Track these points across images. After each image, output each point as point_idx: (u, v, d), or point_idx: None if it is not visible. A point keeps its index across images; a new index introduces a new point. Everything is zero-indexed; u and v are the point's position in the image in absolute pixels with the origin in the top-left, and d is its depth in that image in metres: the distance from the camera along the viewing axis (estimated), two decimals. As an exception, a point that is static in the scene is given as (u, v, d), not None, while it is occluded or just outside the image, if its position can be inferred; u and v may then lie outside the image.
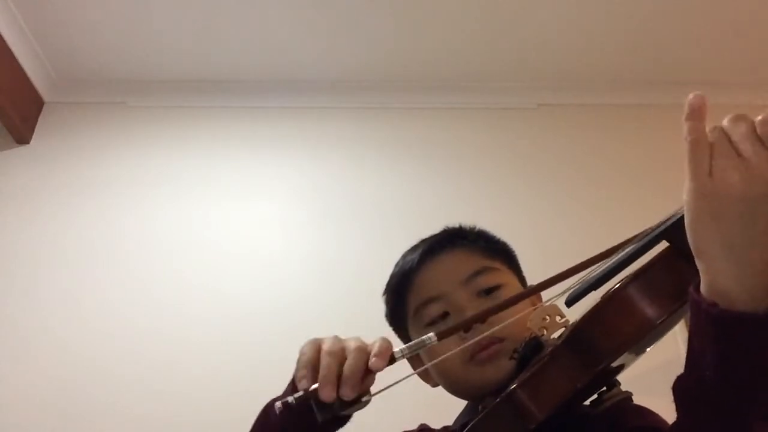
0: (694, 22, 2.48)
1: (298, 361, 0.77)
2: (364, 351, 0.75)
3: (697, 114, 0.62)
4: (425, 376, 1.02)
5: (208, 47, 2.56)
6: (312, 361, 0.75)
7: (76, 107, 2.64)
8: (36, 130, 2.57)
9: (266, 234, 2.37)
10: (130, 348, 2.11)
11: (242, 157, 2.55)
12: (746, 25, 2.50)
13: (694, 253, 0.62)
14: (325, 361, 0.74)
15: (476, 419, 0.77)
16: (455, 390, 0.97)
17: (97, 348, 2.11)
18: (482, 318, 0.83)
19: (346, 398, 0.72)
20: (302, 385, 0.74)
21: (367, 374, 0.74)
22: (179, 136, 2.58)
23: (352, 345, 0.76)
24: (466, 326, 0.85)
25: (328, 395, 0.72)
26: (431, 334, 0.78)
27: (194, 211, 2.41)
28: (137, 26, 2.48)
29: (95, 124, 2.60)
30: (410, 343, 0.78)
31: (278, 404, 0.73)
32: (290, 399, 0.73)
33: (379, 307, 1.10)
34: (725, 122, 0.61)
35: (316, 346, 0.77)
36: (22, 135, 2.51)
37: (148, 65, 2.61)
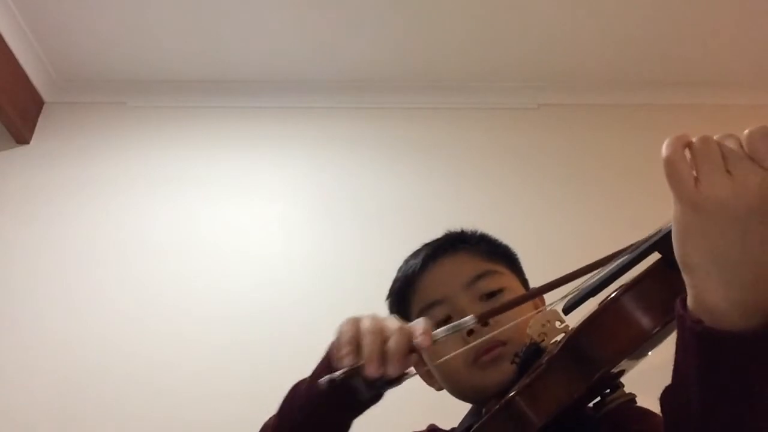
0: (694, 22, 2.48)
1: (338, 339, 0.78)
2: (406, 330, 0.76)
3: (677, 138, 0.60)
4: (429, 379, 1.03)
5: (208, 47, 2.56)
6: (355, 339, 0.76)
7: (76, 107, 2.64)
8: (36, 130, 2.57)
9: (266, 234, 2.37)
10: (129, 347, 2.11)
11: (242, 157, 2.55)
12: (746, 25, 2.50)
13: (681, 268, 0.61)
14: (368, 338, 0.75)
15: (477, 424, 0.77)
16: (459, 393, 0.98)
17: (96, 347, 2.11)
18: (498, 312, 0.85)
19: (390, 376, 0.74)
20: (346, 362, 0.75)
21: (410, 353, 0.75)
22: (179, 136, 2.58)
23: (392, 325, 0.77)
24: (483, 320, 0.85)
25: (374, 372, 0.73)
26: (471, 315, 0.79)
27: (194, 211, 2.41)
28: (137, 26, 2.48)
29: (95, 124, 2.60)
30: (450, 324, 0.79)
31: (323, 381, 0.75)
32: (336, 375, 0.75)
33: (380, 306, 1.10)
34: (715, 137, 0.59)
35: (356, 324, 0.78)
36: (22, 135, 2.52)
37: (148, 65, 2.61)
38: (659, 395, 0.69)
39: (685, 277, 0.61)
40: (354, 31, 2.52)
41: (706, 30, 2.51)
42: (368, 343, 0.75)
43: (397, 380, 0.75)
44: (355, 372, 0.74)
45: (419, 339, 0.75)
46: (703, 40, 2.54)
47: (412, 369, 0.78)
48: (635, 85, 2.67)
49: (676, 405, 0.64)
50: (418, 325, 0.77)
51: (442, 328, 0.78)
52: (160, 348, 2.11)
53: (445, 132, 2.61)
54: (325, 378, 0.75)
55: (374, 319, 0.78)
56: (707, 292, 0.58)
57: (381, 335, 0.75)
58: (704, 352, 0.58)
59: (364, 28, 2.50)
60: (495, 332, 0.84)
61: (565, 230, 2.33)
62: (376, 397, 0.82)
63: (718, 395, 0.59)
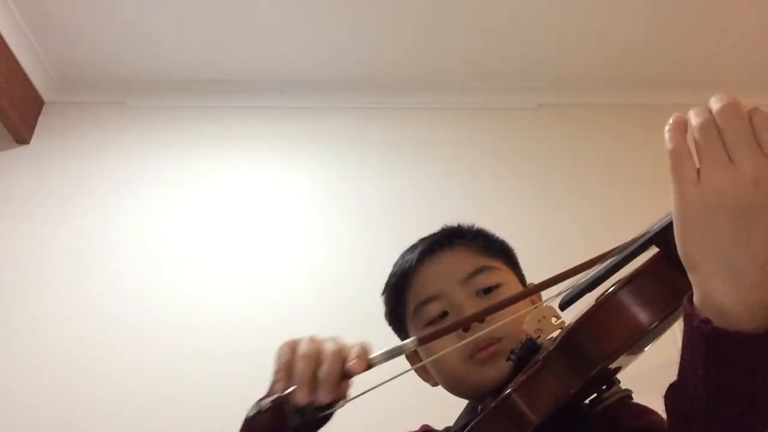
0: (694, 22, 2.48)
1: (275, 364, 0.77)
2: (340, 355, 0.75)
3: (678, 126, 0.58)
4: (425, 375, 1.02)
5: (208, 47, 2.56)
6: (288, 365, 0.75)
7: (76, 107, 2.64)
8: (36, 130, 2.57)
9: (266, 234, 2.37)
10: (129, 351, 2.10)
11: (242, 157, 2.54)
12: (746, 25, 2.50)
13: (685, 267, 0.59)
14: (299, 364, 0.74)
15: (474, 422, 0.76)
16: (455, 389, 0.97)
17: (96, 351, 2.10)
18: (476, 318, 0.83)
19: (320, 402, 0.73)
20: (277, 388, 0.75)
21: (343, 378, 0.74)
22: (179, 136, 2.58)
23: (328, 348, 0.75)
24: (459, 327, 0.83)
25: (301, 399, 0.72)
26: (412, 338, 0.78)
27: (194, 211, 2.41)
28: (137, 26, 2.48)
29: (95, 124, 2.59)
30: (389, 348, 0.77)
31: (251, 409, 0.74)
32: (264, 402, 0.74)
33: (378, 307, 1.10)
34: (718, 113, 0.56)
35: (292, 348, 0.76)
36: (22, 135, 2.51)
37: (148, 65, 2.61)
38: (659, 393, 0.68)
39: (690, 276, 0.59)
40: (354, 31, 2.52)
41: (707, 30, 2.51)
42: (300, 369, 0.74)
43: (329, 406, 0.74)
44: (284, 399, 0.73)
45: (351, 364, 0.74)
46: (703, 40, 2.54)
47: (347, 394, 0.76)
48: (635, 85, 2.67)
49: (680, 404, 0.63)
50: (354, 349, 0.76)
51: (382, 351, 0.76)
52: (159, 352, 2.10)
53: (445, 132, 2.61)
54: (254, 405, 0.74)
55: (312, 341, 0.77)
56: (715, 291, 0.56)
57: (315, 360, 0.74)
58: (712, 353, 0.57)
59: (364, 28, 2.50)
60: (491, 328, 0.83)
61: (565, 230, 2.33)
62: (316, 423, 0.80)
63: (724, 396, 0.58)
